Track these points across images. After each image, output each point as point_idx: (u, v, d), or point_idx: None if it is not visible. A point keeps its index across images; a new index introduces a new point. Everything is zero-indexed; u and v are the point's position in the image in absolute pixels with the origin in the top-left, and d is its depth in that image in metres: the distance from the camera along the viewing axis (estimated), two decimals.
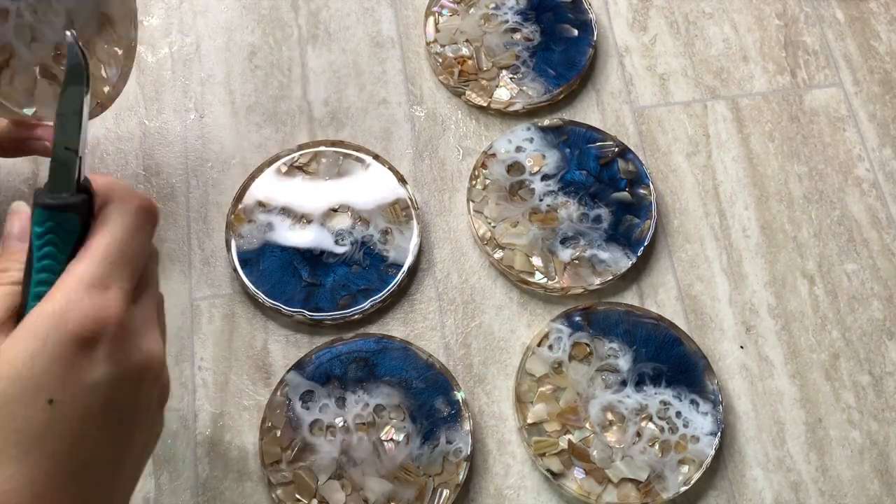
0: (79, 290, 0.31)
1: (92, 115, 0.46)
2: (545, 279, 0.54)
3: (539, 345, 0.53)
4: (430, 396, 0.51)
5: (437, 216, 0.57)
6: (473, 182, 0.57)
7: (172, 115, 0.60)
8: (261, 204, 0.56)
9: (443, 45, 0.61)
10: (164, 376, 0.34)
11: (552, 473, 0.49)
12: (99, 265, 0.32)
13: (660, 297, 0.55)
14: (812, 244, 0.57)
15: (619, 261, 0.55)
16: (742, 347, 0.54)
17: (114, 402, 0.31)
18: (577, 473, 0.49)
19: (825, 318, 0.55)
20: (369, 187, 0.57)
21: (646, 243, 0.55)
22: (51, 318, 0.30)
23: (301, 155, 0.57)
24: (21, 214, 0.34)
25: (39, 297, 0.31)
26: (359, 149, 0.58)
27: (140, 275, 0.34)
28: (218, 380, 0.53)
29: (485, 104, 0.60)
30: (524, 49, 0.61)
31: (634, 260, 0.55)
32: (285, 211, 0.56)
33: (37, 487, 0.28)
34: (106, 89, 0.50)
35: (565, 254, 0.55)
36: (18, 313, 0.32)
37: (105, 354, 0.30)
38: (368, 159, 0.57)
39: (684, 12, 0.64)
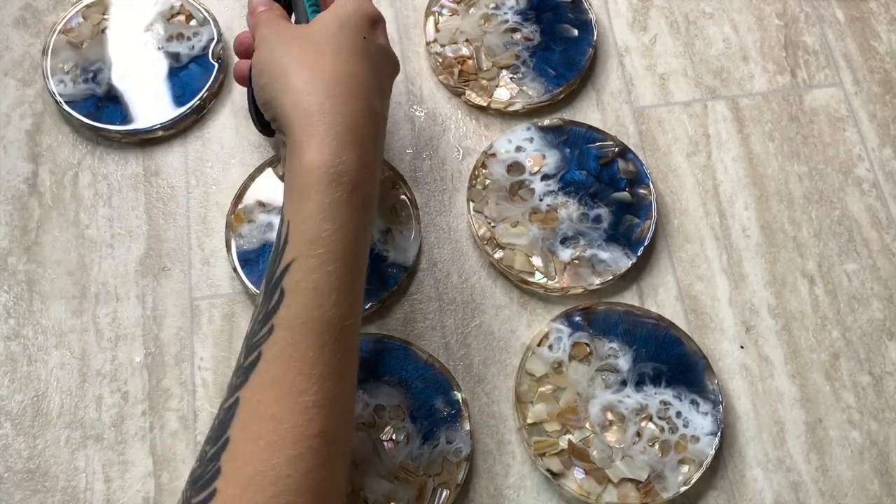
0: (365, 3, 0.48)
1: None
2: (545, 279, 0.54)
3: (539, 345, 0.53)
4: (430, 396, 0.51)
5: (437, 216, 0.57)
6: (473, 182, 0.57)
7: None
8: (261, 204, 0.56)
9: (443, 45, 0.61)
10: (398, 65, 0.52)
11: (552, 473, 0.49)
12: (366, 2, 0.49)
13: (660, 297, 0.55)
14: (812, 244, 0.57)
15: (619, 261, 0.55)
16: (742, 347, 0.54)
17: (387, 59, 0.49)
18: (577, 473, 0.49)
19: (825, 318, 0.55)
20: None
21: (646, 243, 0.55)
22: (353, 2, 0.47)
23: None
24: None
25: (315, 12, 0.50)
26: None
27: None
28: (218, 380, 0.53)
29: (485, 104, 0.60)
30: (524, 49, 0.61)
31: (634, 260, 0.55)
32: None
33: (365, 75, 0.46)
34: None
35: (565, 254, 0.55)
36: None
37: (381, 33, 0.49)
38: None
39: (684, 12, 0.64)
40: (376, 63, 0.47)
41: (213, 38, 0.61)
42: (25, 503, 0.49)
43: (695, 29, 0.64)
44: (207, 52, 0.60)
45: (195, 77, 0.60)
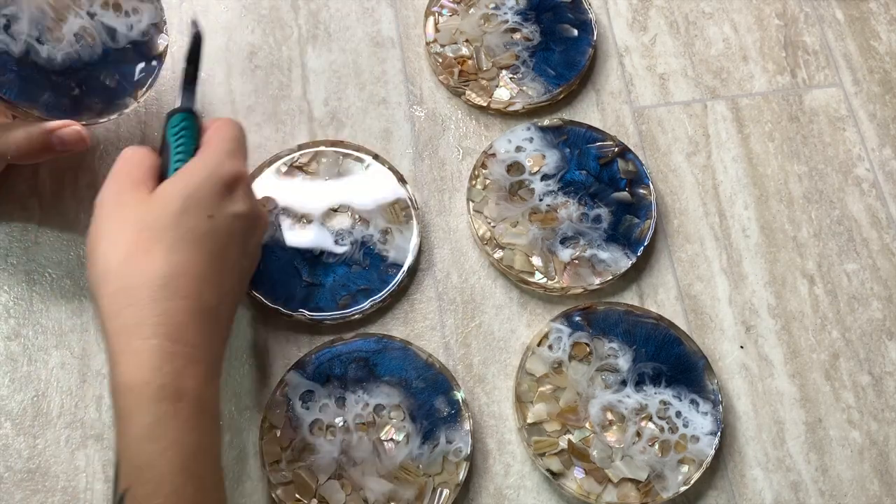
0: (222, 154, 0.46)
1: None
2: (545, 279, 0.54)
3: (539, 344, 0.53)
4: (430, 396, 0.51)
5: (437, 216, 0.57)
6: (473, 182, 0.57)
7: None
8: (261, 204, 0.56)
9: (443, 45, 0.61)
10: (265, 221, 0.50)
11: (552, 473, 0.49)
12: (231, 143, 0.47)
13: (660, 297, 0.55)
14: (812, 244, 0.57)
15: (618, 261, 0.55)
16: (742, 347, 0.54)
17: (243, 227, 0.46)
18: (577, 473, 0.49)
19: (825, 318, 0.55)
20: (369, 187, 0.57)
21: (646, 243, 0.55)
22: (208, 166, 0.45)
23: (301, 155, 0.58)
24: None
25: (182, 161, 0.47)
26: (359, 149, 0.58)
27: None
28: None
29: (485, 104, 0.60)
30: (524, 49, 0.61)
31: (634, 260, 0.55)
32: (285, 211, 0.56)
33: (200, 269, 0.43)
34: None
35: (565, 254, 0.55)
36: (159, 177, 0.47)
37: (241, 196, 0.46)
38: (368, 159, 0.57)
39: (684, 12, 0.64)
40: (223, 242, 0.44)
41: (155, 22, 0.54)
42: (25, 503, 0.49)
43: (695, 29, 0.64)
44: (148, 39, 0.53)
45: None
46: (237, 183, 0.46)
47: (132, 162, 0.46)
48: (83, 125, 0.49)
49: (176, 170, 0.46)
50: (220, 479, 0.42)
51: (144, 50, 0.53)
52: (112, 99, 0.52)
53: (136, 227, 0.43)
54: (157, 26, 0.54)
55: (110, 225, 0.44)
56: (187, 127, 0.49)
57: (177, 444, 0.38)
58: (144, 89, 0.53)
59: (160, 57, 0.54)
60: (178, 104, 0.50)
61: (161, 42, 0.54)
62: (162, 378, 0.39)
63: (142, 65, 0.53)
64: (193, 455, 0.39)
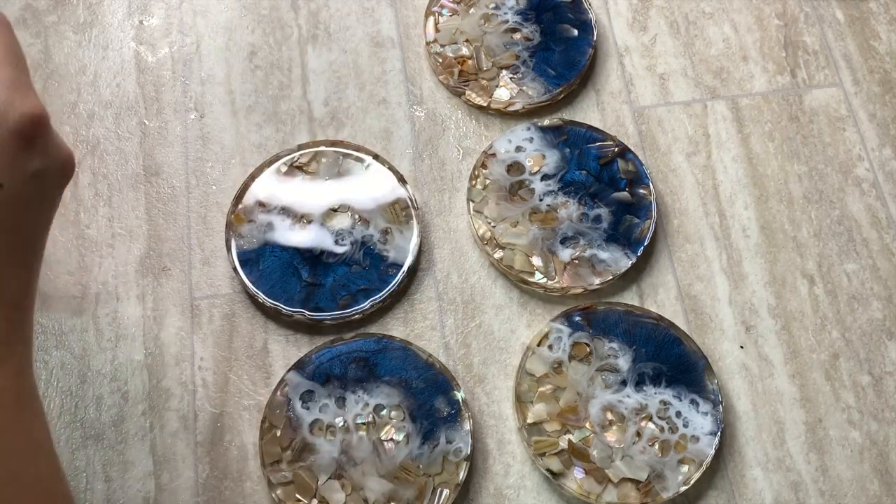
0: (7, 92, 0.34)
1: None
2: (545, 279, 0.54)
3: (539, 345, 0.53)
4: (430, 396, 0.51)
5: (437, 216, 0.57)
6: (473, 182, 0.57)
7: (172, 115, 0.60)
8: (261, 204, 0.56)
9: (443, 45, 0.61)
10: (72, 163, 0.38)
11: (552, 473, 0.49)
12: (12, 69, 0.34)
13: (660, 297, 0.55)
14: (812, 244, 0.57)
15: (618, 261, 0.55)
16: (742, 347, 0.54)
17: (48, 184, 0.36)
18: (577, 473, 0.49)
19: (825, 318, 0.55)
20: (369, 187, 0.57)
21: (646, 243, 0.55)
22: None
23: (301, 155, 0.58)
24: None
25: None
26: (359, 149, 0.58)
27: None
28: (218, 380, 0.53)
29: (485, 104, 0.60)
30: (524, 49, 0.61)
31: (634, 260, 0.55)
32: (285, 211, 0.56)
33: None
34: None
35: (565, 254, 0.55)
36: None
37: (41, 146, 0.35)
38: (368, 159, 0.57)
39: (684, 12, 0.64)
40: (21, 216, 0.35)
41: None
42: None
43: (695, 29, 0.64)
44: None
45: None
46: (34, 128, 0.34)
47: None
48: None
49: None
50: (59, 470, 0.37)
51: None
52: None
53: None
54: None
55: None
56: None
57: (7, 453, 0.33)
58: None
59: None
60: None
61: None
62: None
63: None
64: (33, 459, 0.35)
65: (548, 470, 0.49)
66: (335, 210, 0.56)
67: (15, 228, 0.35)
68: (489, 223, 0.56)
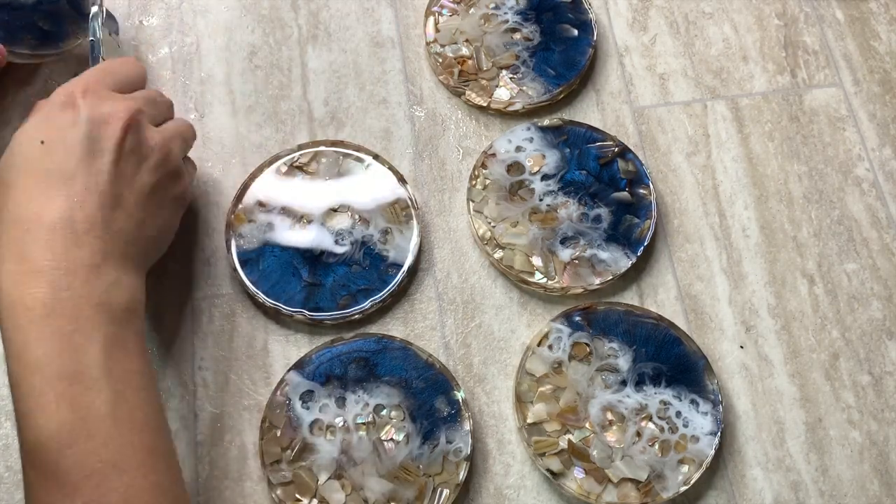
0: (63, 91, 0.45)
1: None
2: (545, 279, 0.54)
3: (539, 344, 0.53)
4: (430, 396, 0.51)
5: (437, 216, 0.57)
6: (473, 182, 0.57)
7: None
8: (261, 204, 0.56)
9: (443, 45, 0.61)
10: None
11: (552, 473, 0.49)
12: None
13: (660, 297, 0.55)
14: (812, 244, 0.57)
15: (618, 261, 0.55)
16: (742, 347, 0.54)
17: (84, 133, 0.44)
18: (577, 473, 0.49)
19: (825, 318, 0.55)
20: (369, 187, 0.57)
21: (645, 243, 0.55)
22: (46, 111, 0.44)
23: (301, 155, 0.58)
24: None
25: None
26: (359, 149, 0.58)
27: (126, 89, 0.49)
28: (218, 380, 0.53)
29: (485, 104, 0.60)
30: (524, 49, 0.61)
31: (634, 260, 0.55)
32: (285, 211, 0.56)
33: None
34: None
35: (565, 254, 0.55)
36: None
37: (85, 105, 0.44)
38: (368, 159, 0.57)
39: (684, 12, 0.64)
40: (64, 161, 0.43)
41: None
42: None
43: (695, 29, 0.64)
44: None
45: None
46: (72, 97, 0.45)
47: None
48: (10, 51, 0.54)
49: None
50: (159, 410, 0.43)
51: (78, 5, 0.58)
52: (44, 40, 0.57)
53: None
54: None
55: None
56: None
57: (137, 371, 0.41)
58: (71, 41, 0.58)
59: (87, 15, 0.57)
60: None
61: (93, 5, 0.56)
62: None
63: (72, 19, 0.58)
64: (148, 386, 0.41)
65: (548, 470, 0.50)
66: (335, 210, 0.56)
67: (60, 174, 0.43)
68: (489, 223, 0.56)
